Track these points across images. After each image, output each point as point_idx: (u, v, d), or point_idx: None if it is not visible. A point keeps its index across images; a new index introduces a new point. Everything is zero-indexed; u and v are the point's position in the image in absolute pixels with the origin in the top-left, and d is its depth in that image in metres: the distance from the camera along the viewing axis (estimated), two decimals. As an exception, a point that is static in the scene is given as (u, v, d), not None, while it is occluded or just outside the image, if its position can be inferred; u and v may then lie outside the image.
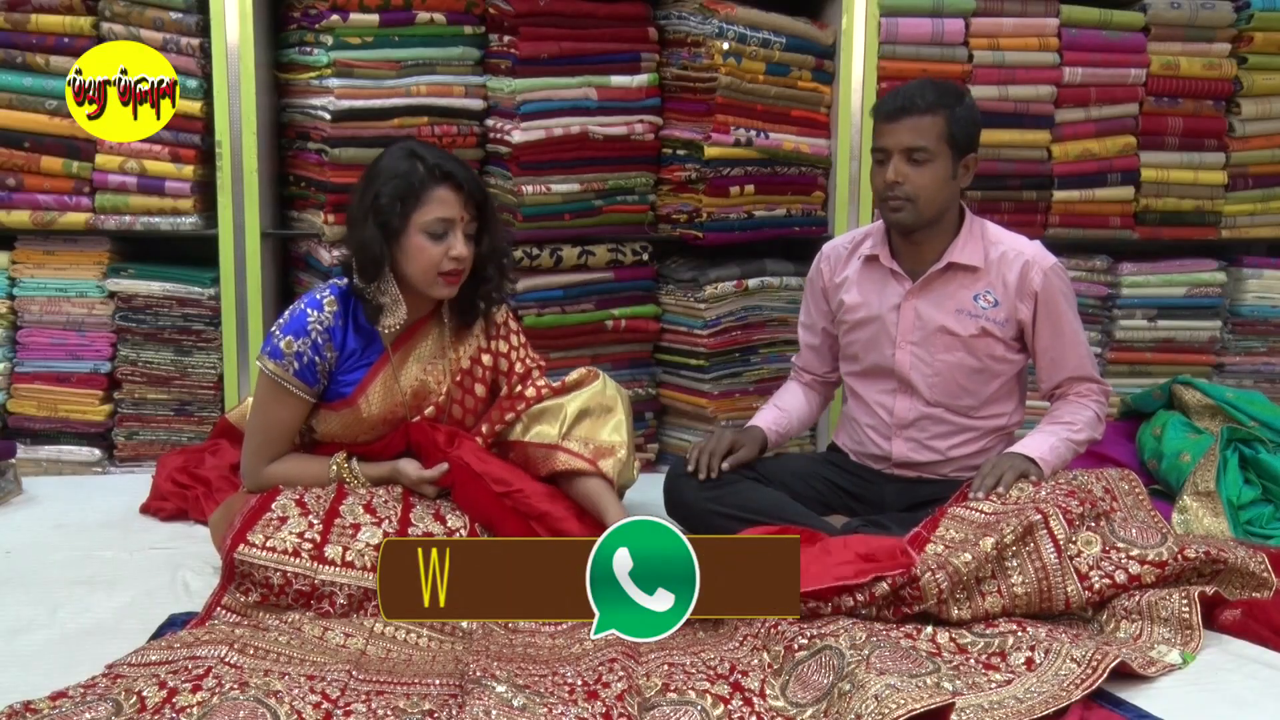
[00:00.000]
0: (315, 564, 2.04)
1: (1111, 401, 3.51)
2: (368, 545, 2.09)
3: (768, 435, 2.72)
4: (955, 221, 2.55)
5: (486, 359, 2.43)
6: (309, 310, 2.27)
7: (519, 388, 2.44)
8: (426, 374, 2.35)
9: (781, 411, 2.80)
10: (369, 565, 2.05)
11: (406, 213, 2.22)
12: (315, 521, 2.10)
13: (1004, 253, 2.53)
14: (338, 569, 2.04)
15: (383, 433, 2.34)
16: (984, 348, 2.54)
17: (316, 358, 2.25)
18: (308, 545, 2.05)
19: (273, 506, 2.13)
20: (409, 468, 2.30)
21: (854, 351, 2.66)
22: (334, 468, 2.29)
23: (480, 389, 2.42)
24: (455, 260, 2.24)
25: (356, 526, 2.12)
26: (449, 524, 2.21)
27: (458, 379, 2.38)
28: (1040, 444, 2.44)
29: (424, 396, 2.35)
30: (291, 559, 2.03)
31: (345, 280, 2.32)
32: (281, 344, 2.24)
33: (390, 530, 2.13)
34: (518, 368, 2.46)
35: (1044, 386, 2.59)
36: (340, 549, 2.07)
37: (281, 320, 2.29)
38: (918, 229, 2.50)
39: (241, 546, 2.02)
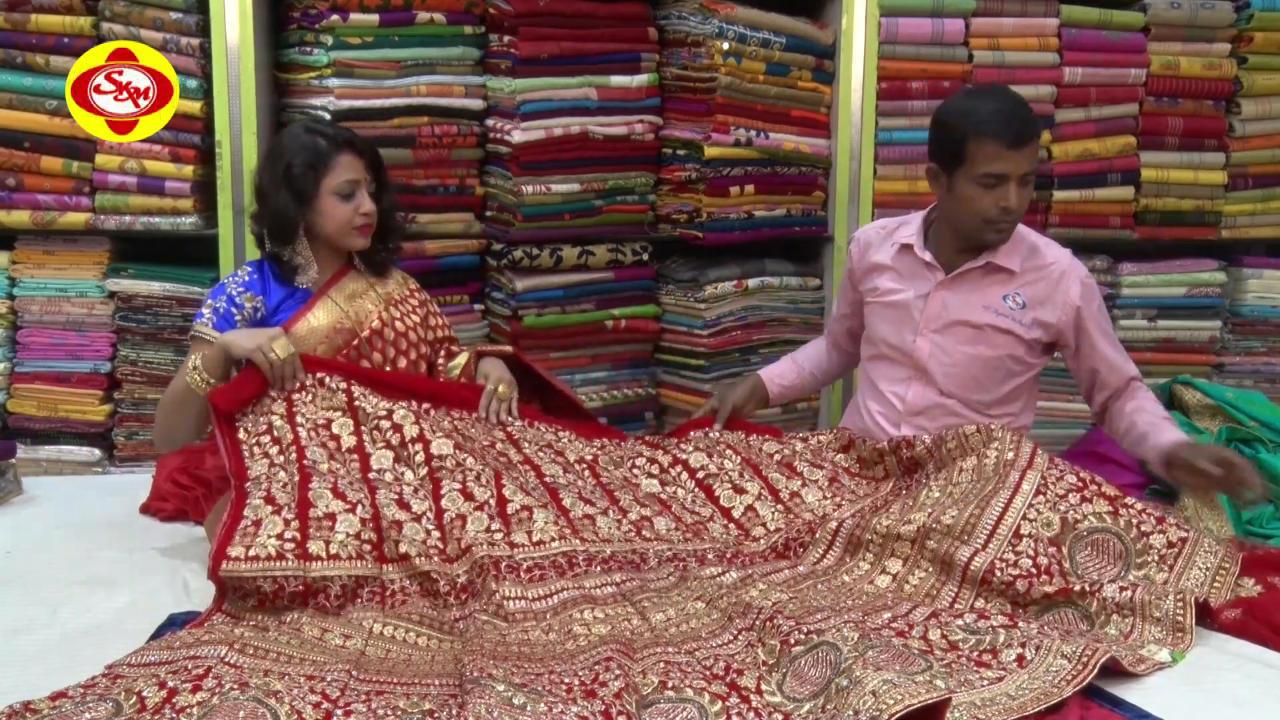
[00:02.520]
0: (302, 563, 2.02)
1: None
2: (348, 535, 2.10)
3: (768, 387, 2.86)
4: None
5: (413, 301, 2.68)
6: (227, 279, 2.56)
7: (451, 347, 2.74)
8: (361, 301, 2.57)
9: (794, 365, 2.93)
10: (354, 554, 2.07)
11: (318, 179, 2.48)
12: (290, 518, 2.09)
13: (1040, 260, 2.58)
14: (325, 563, 2.04)
15: (337, 345, 2.51)
16: (1005, 346, 2.57)
17: (232, 308, 2.48)
18: (290, 545, 2.04)
19: (245, 514, 2.11)
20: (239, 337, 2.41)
21: (875, 334, 2.69)
22: (187, 376, 2.40)
23: (415, 318, 2.65)
24: (365, 216, 2.51)
25: (332, 517, 2.12)
26: (414, 509, 2.20)
27: (394, 303, 2.62)
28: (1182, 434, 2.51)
29: (364, 315, 2.56)
30: (277, 563, 2.01)
31: (260, 260, 2.58)
32: (204, 308, 2.51)
33: (365, 515, 2.14)
34: (440, 332, 2.72)
35: (1101, 395, 2.63)
36: (322, 543, 2.06)
37: None
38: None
39: (225, 564, 2.00)
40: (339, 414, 2.37)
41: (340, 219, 2.49)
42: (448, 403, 2.50)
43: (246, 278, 2.53)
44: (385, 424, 2.36)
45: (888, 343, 2.66)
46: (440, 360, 2.68)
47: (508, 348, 2.77)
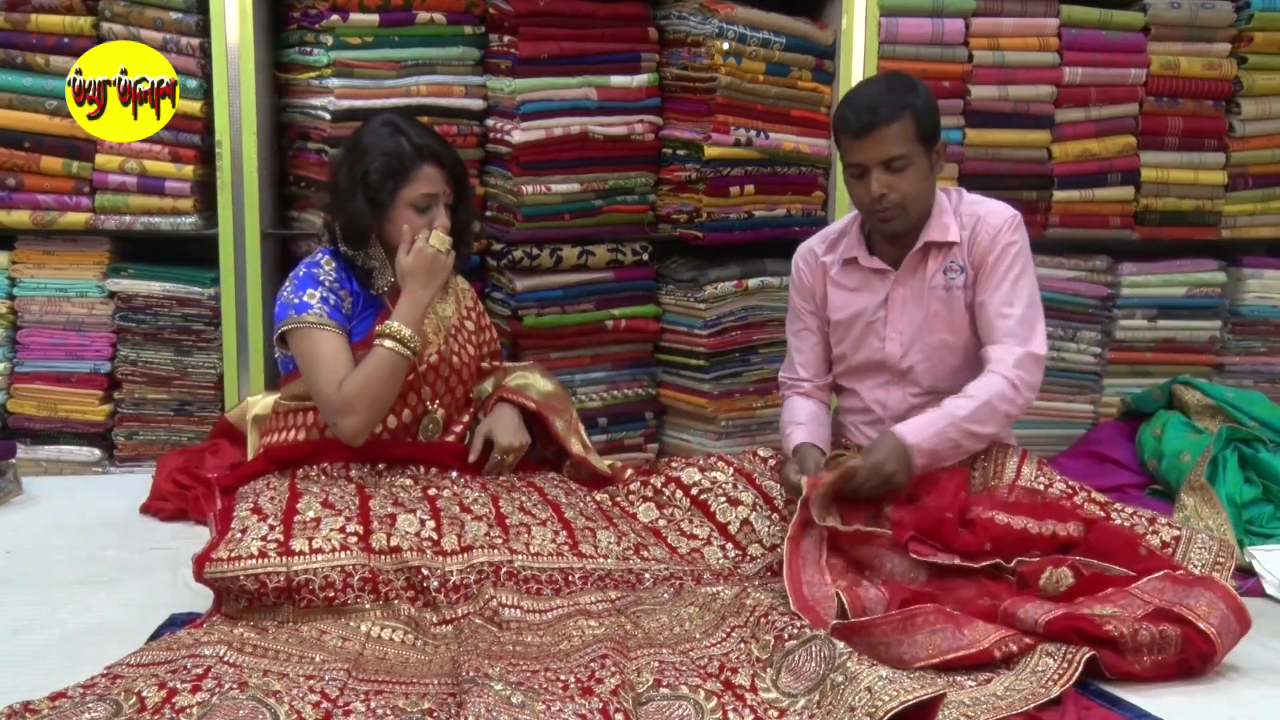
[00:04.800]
0: (284, 559, 2.01)
1: (1111, 401, 3.53)
2: (333, 530, 2.08)
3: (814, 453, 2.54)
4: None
5: (470, 325, 2.62)
6: (312, 269, 2.44)
7: (492, 363, 2.74)
8: (424, 327, 2.46)
9: (816, 425, 2.63)
10: (337, 546, 2.06)
11: (395, 189, 2.40)
12: (275, 524, 2.09)
13: (972, 220, 2.51)
14: (308, 557, 2.03)
15: None
16: (960, 321, 2.51)
17: (335, 298, 2.41)
18: (273, 545, 2.04)
19: (232, 525, 2.12)
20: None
21: (842, 351, 2.65)
22: (386, 345, 2.33)
23: (470, 349, 2.60)
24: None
25: (317, 520, 2.12)
26: (408, 505, 2.21)
27: (452, 334, 2.56)
28: (923, 427, 2.33)
29: (425, 345, 2.47)
30: (259, 560, 2.01)
31: (330, 246, 2.49)
32: (304, 297, 2.38)
33: (352, 515, 2.14)
34: (487, 348, 2.72)
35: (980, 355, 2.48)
36: (305, 540, 2.06)
37: (287, 289, 2.43)
38: (910, 230, 2.50)
39: (208, 565, 2.00)
40: (341, 480, 2.41)
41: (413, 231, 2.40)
42: (455, 468, 2.49)
43: (334, 273, 2.44)
44: (384, 489, 2.35)
45: (856, 355, 2.61)
46: None
47: (531, 403, 2.61)
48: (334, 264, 2.46)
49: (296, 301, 2.39)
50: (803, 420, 2.63)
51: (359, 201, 2.39)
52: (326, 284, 2.42)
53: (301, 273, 2.45)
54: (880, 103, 2.39)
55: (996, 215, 2.50)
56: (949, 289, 2.50)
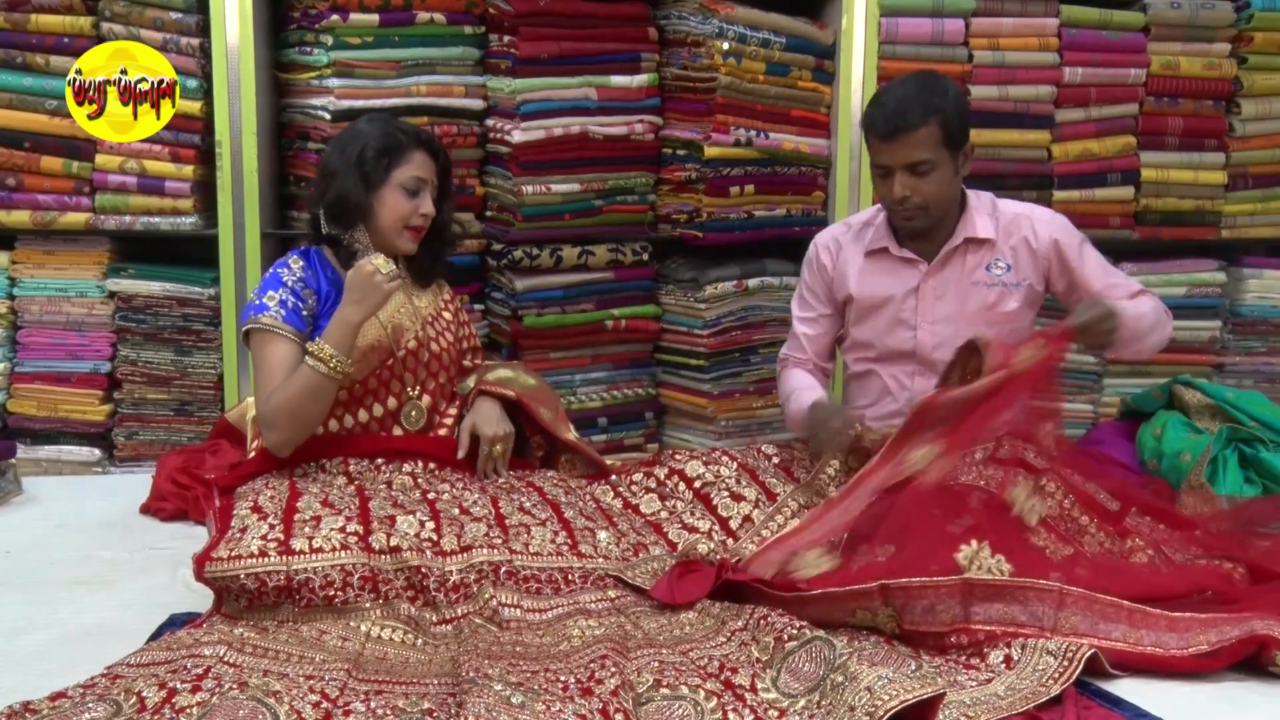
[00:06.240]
0: (285, 558, 2.01)
1: (1111, 401, 3.53)
2: (333, 530, 2.08)
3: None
4: (960, 201, 2.59)
5: (447, 315, 2.67)
6: (279, 270, 2.48)
7: (474, 359, 2.77)
8: (400, 316, 2.52)
9: (824, 392, 2.73)
10: (337, 546, 2.06)
11: (389, 166, 2.46)
12: (276, 523, 2.10)
13: (1010, 219, 2.59)
14: (307, 556, 2.03)
15: (373, 364, 2.46)
16: (1003, 320, 2.56)
17: (298, 302, 2.43)
18: (273, 544, 2.04)
19: (231, 524, 2.13)
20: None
21: (867, 338, 2.67)
22: (309, 363, 2.31)
23: (449, 336, 2.62)
24: (423, 217, 2.49)
25: (317, 519, 2.12)
26: (408, 508, 2.21)
27: (429, 321, 2.59)
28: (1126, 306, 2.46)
29: (402, 332, 2.52)
30: (260, 560, 2.01)
31: (305, 246, 2.55)
32: (264, 299, 2.41)
33: (352, 515, 2.14)
34: (467, 343, 2.74)
35: None
36: (305, 540, 2.06)
37: (255, 290, 2.47)
38: (932, 228, 2.53)
39: (209, 564, 2.00)
40: (340, 477, 2.42)
41: (399, 213, 2.46)
42: (450, 465, 2.50)
43: (300, 272, 2.46)
44: (383, 490, 2.35)
45: (883, 343, 2.64)
46: None
47: (510, 392, 2.62)
48: (302, 263, 2.49)
49: (257, 302, 2.43)
50: (810, 386, 2.69)
51: (352, 179, 2.44)
52: (289, 284, 2.44)
53: (270, 274, 2.49)
54: (907, 107, 2.42)
55: (1045, 214, 2.63)
56: (991, 285, 2.56)
